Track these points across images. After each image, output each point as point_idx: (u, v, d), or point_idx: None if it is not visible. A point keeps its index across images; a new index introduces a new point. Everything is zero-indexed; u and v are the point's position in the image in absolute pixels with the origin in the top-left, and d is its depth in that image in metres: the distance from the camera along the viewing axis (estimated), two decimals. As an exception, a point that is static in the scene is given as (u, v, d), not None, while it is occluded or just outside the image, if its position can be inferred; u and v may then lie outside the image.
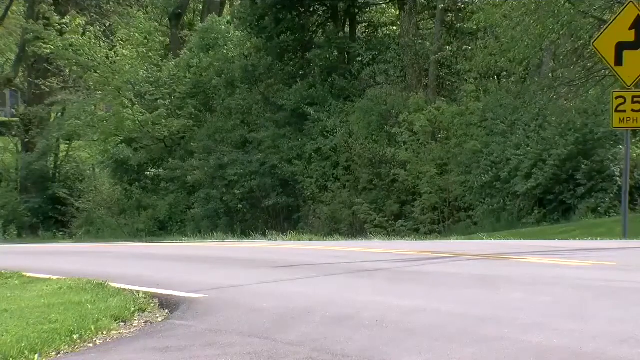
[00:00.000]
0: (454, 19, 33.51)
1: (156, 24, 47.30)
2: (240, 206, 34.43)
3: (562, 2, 23.75)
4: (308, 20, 36.76)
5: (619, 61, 17.58)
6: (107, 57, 39.76)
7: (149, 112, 38.33)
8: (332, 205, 31.43)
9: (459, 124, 28.96)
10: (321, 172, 32.62)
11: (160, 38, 45.09)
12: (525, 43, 23.99)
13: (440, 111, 29.50)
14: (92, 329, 7.79)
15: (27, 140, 47.77)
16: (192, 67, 39.05)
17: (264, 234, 27.04)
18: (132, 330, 8.01)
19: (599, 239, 17.08)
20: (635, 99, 17.51)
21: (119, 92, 38.88)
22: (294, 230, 28.88)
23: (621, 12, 17.90)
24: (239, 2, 43.57)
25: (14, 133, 49.36)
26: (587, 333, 6.46)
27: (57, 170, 47.08)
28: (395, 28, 37.01)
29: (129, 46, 40.88)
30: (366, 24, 37.89)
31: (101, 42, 40.82)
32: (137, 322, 8.37)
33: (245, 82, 36.40)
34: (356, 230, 29.79)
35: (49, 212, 44.86)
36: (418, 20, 34.57)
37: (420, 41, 33.44)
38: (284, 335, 7.00)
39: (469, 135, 28.41)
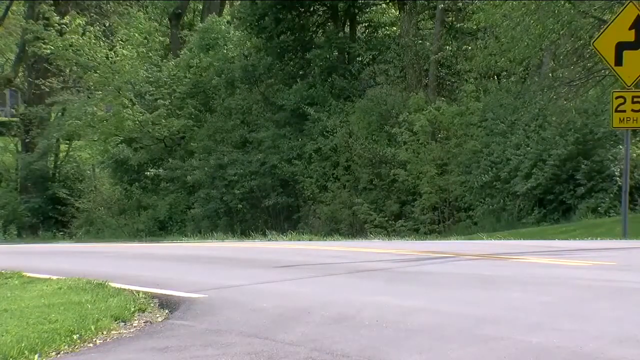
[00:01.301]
0: (454, 19, 33.50)
1: (156, 24, 47.33)
2: (240, 206, 34.41)
3: (562, 2, 23.73)
4: (308, 20, 36.75)
5: (619, 61, 17.57)
6: (107, 57, 39.76)
7: (149, 112, 38.33)
8: (332, 205, 31.42)
9: (459, 124, 28.96)
10: (321, 172, 32.61)
11: (160, 38, 45.12)
12: (525, 43, 23.97)
13: (440, 111, 29.49)
14: (92, 329, 7.79)
15: (27, 140, 47.72)
16: (192, 67, 39.05)
17: (264, 234, 27.04)
18: (132, 330, 8.01)
19: (599, 239, 17.07)
20: (635, 99, 17.51)
21: (119, 92, 38.88)
22: (294, 230, 28.88)
23: (621, 12, 17.88)
24: (239, 2, 43.57)
25: (14, 133, 49.34)
26: (587, 333, 6.46)
27: (57, 170, 47.04)
28: (395, 28, 36.98)
29: (129, 46, 40.87)
30: (366, 24, 37.85)
31: (101, 42, 40.78)
32: (137, 322, 8.37)
33: (245, 82, 36.39)
34: (356, 230, 29.77)
35: (49, 212, 44.82)
36: (418, 20, 34.55)
37: (420, 41, 33.44)
38: (284, 335, 7.00)
39: (469, 135, 28.41)
